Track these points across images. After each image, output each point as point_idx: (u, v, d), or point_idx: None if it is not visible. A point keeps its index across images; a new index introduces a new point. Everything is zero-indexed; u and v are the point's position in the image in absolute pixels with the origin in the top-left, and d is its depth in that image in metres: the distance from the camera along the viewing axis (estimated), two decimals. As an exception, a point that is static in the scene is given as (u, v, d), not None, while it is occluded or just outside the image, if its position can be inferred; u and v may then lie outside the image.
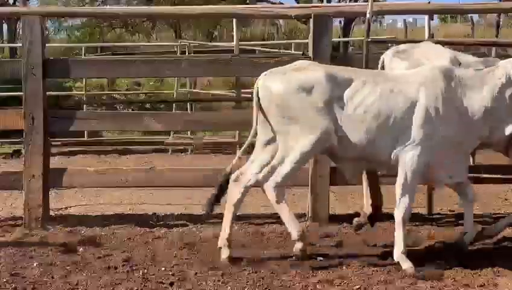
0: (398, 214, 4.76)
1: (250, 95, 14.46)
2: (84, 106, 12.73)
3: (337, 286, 4.41)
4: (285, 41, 19.51)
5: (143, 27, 27.33)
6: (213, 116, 7.30)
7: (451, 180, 4.91)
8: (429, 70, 4.83)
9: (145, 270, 4.68)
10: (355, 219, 5.50)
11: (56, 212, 6.70)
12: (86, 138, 12.71)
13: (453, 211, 6.65)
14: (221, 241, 5.00)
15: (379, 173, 5.25)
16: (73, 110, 7.96)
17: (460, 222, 6.20)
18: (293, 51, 12.83)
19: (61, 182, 6.33)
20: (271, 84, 4.83)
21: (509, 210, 6.74)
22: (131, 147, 12.45)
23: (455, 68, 4.92)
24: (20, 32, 6.79)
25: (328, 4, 19.12)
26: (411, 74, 4.90)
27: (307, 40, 8.81)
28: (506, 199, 7.43)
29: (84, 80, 13.45)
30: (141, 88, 18.64)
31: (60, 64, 6.39)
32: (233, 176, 5.04)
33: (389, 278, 4.52)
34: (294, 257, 4.86)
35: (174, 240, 5.56)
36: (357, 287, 4.38)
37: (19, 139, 9.09)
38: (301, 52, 7.50)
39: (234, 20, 10.24)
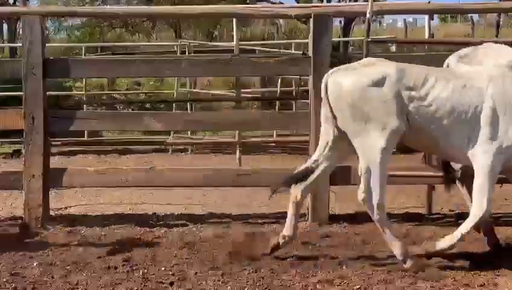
0: (473, 214, 4.70)
1: (250, 95, 14.52)
2: (84, 105, 12.72)
3: (337, 285, 4.41)
4: (285, 41, 19.49)
5: (143, 27, 27.33)
6: (213, 116, 7.30)
7: None
8: (496, 67, 4.80)
9: (145, 270, 4.68)
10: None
11: (56, 212, 6.70)
12: (86, 138, 12.70)
13: (453, 211, 6.65)
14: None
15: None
16: (73, 110, 7.96)
17: (460, 221, 6.21)
18: (293, 51, 12.82)
19: (61, 182, 6.33)
20: (342, 80, 4.75)
21: (509, 210, 6.76)
22: (131, 146, 12.44)
23: None
24: (20, 32, 6.80)
25: (328, 4, 19.13)
26: (479, 70, 4.84)
27: (307, 40, 8.81)
28: (506, 199, 7.42)
29: (84, 79, 13.44)
30: (141, 88, 18.63)
31: (60, 64, 6.39)
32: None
33: (389, 278, 4.52)
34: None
35: (174, 240, 5.56)
36: (357, 287, 4.38)
37: (19, 139, 9.09)
38: (301, 52, 7.49)
39: (234, 20, 10.23)
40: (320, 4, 16.78)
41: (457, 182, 5.33)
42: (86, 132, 12.23)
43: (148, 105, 15.49)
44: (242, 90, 11.81)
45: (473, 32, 16.34)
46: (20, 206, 6.31)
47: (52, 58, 6.62)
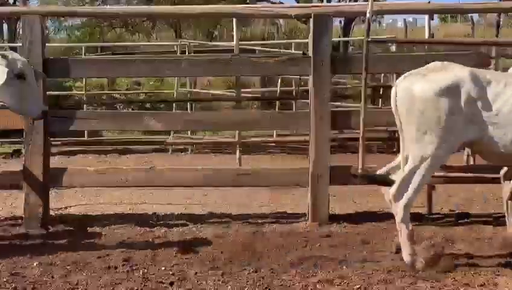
0: None
1: (250, 95, 14.50)
2: (84, 105, 12.72)
3: (337, 285, 4.41)
4: (285, 41, 19.49)
5: (143, 27, 27.33)
6: (213, 116, 7.30)
7: None
8: None
9: (145, 270, 4.69)
10: None
11: (56, 212, 6.70)
12: (86, 138, 12.70)
13: (453, 211, 6.65)
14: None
15: None
16: (73, 110, 7.96)
17: (460, 221, 6.22)
18: (293, 51, 12.82)
19: (61, 182, 6.33)
20: (413, 86, 4.68)
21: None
22: (131, 146, 12.44)
23: None
24: (20, 32, 6.79)
25: (328, 4, 19.14)
26: None
27: (307, 40, 8.80)
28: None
29: (84, 79, 13.44)
30: (141, 88, 18.63)
31: (60, 64, 6.38)
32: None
33: (389, 277, 4.52)
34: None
35: (174, 240, 5.56)
36: (357, 287, 4.38)
37: (19, 139, 9.09)
38: (301, 52, 7.49)
39: (234, 19, 10.22)
40: (320, 4, 16.78)
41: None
42: (86, 131, 12.23)
43: (148, 105, 15.49)
44: (242, 90, 11.80)
45: (473, 32, 16.29)
46: (20, 206, 6.30)
47: (52, 58, 6.61)
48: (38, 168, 6.06)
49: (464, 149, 9.30)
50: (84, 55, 15.45)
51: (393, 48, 14.71)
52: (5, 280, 4.47)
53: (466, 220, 6.29)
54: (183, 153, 12.16)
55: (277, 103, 13.34)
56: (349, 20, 21.42)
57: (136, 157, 11.48)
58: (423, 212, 6.54)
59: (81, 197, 7.69)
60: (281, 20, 26.59)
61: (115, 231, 5.91)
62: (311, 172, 6.10)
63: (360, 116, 5.86)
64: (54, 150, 9.54)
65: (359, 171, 5.28)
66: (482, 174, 6.06)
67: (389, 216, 6.38)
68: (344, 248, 5.29)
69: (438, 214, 6.58)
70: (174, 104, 12.60)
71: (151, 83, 18.84)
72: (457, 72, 4.70)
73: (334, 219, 6.18)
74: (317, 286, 4.40)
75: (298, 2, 22.13)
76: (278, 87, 13.38)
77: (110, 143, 12.62)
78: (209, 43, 19.85)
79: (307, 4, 11.19)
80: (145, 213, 6.72)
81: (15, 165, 7.35)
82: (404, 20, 15.43)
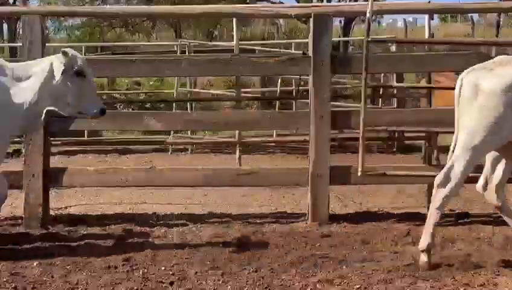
0: None
1: (250, 95, 14.48)
2: (84, 105, 12.67)
3: (337, 285, 4.41)
4: (285, 40, 19.49)
5: (143, 27, 27.31)
6: (213, 116, 7.31)
7: None
8: None
9: (145, 270, 4.68)
10: None
11: (56, 212, 6.70)
12: (86, 138, 12.70)
13: (453, 210, 6.65)
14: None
15: None
16: (73, 110, 7.91)
17: (460, 221, 6.21)
18: (293, 51, 12.82)
19: (61, 182, 6.33)
20: (479, 81, 4.68)
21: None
22: (131, 146, 12.44)
23: None
24: (20, 32, 6.79)
25: (328, 4, 19.12)
26: None
27: (307, 40, 8.81)
28: (506, 199, 7.41)
29: (84, 79, 13.39)
30: (141, 88, 18.62)
31: (60, 64, 6.37)
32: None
33: (389, 277, 4.52)
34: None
35: (174, 240, 5.56)
36: (357, 286, 4.38)
37: (19, 139, 9.08)
38: (301, 52, 7.49)
39: (234, 19, 10.22)
40: (320, 4, 16.77)
41: None
42: (85, 131, 12.22)
43: (148, 105, 15.47)
44: (242, 90, 11.79)
45: (473, 32, 16.31)
46: (20, 206, 6.30)
47: (52, 58, 6.60)
48: (38, 168, 6.06)
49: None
50: (84, 55, 15.40)
51: (393, 48, 14.70)
52: (5, 279, 4.47)
53: (466, 220, 6.29)
54: (183, 153, 12.16)
55: (277, 102, 13.34)
56: (349, 20, 21.42)
57: (136, 157, 11.48)
58: (423, 212, 6.53)
59: (81, 197, 7.69)
60: (281, 20, 26.57)
61: (114, 231, 5.91)
62: (311, 172, 6.10)
63: (360, 116, 5.88)
64: (54, 150, 9.53)
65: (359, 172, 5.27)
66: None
67: (389, 216, 6.41)
68: (344, 248, 5.29)
69: (438, 214, 6.56)
70: (174, 104, 12.59)
71: (151, 83, 18.83)
72: None
73: (334, 218, 6.18)
74: (317, 285, 4.40)
75: (298, 2, 22.13)
76: (278, 87, 13.38)
77: (110, 143, 12.62)
78: (209, 43, 19.83)
79: (307, 4, 11.18)
80: (145, 213, 6.72)
81: (15, 165, 7.34)
82: (404, 20, 15.42)
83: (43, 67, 4.97)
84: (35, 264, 4.82)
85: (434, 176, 6.16)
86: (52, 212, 6.48)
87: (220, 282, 4.46)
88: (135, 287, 4.36)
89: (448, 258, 4.93)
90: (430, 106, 6.94)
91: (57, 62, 4.95)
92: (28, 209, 6.06)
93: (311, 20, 6.16)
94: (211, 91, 15.24)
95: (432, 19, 7.75)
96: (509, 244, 5.16)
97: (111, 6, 20.89)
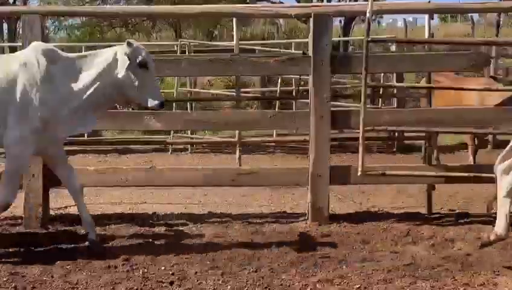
0: None
1: (250, 95, 14.46)
2: (84, 105, 12.66)
3: (337, 285, 4.42)
4: (285, 40, 19.46)
5: (143, 26, 27.31)
6: (213, 115, 7.30)
7: None
8: None
9: (145, 270, 4.69)
10: None
11: (56, 212, 6.70)
12: (85, 138, 12.69)
13: (453, 210, 6.65)
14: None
15: None
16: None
17: (460, 221, 6.22)
18: (293, 51, 12.82)
19: (61, 182, 6.32)
20: None
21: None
22: (131, 146, 12.43)
23: None
24: (20, 32, 6.78)
25: (328, 3, 19.13)
26: None
27: (307, 40, 8.80)
28: None
29: (84, 79, 13.39)
30: (141, 87, 18.57)
31: (60, 64, 6.36)
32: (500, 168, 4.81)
33: (389, 277, 4.52)
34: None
35: (174, 240, 5.56)
36: (357, 286, 4.38)
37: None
38: (301, 52, 7.48)
39: (234, 19, 10.21)
40: (320, 4, 16.77)
41: None
42: (85, 131, 12.20)
43: (148, 104, 15.45)
44: (242, 90, 11.79)
45: (473, 32, 16.33)
46: (20, 206, 6.29)
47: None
48: (38, 167, 6.06)
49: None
50: (84, 55, 15.40)
51: (393, 47, 14.70)
52: (5, 279, 4.47)
53: (466, 220, 6.29)
54: (183, 153, 12.16)
55: (277, 102, 13.35)
56: (349, 19, 21.44)
57: (136, 157, 11.48)
58: (423, 212, 6.54)
59: (81, 196, 7.67)
60: (281, 20, 26.56)
61: (114, 231, 5.90)
62: (311, 172, 6.10)
63: (360, 116, 5.88)
64: (53, 149, 9.51)
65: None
66: (482, 174, 6.04)
67: (389, 216, 6.41)
68: (344, 248, 5.29)
69: (438, 214, 6.58)
70: (174, 104, 12.59)
71: (151, 83, 18.79)
72: None
73: (334, 218, 6.18)
74: (317, 285, 4.40)
75: (298, 2, 22.14)
76: (278, 87, 13.38)
77: (110, 143, 12.59)
78: (209, 42, 19.84)
79: (307, 4, 11.18)
80: (145, 213, 6.72)
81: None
82: (404, 19, 15.44)
83: (107, 58, 4.99)
84: (35, 264, 4.82)
85: (434, 176, 6.19)
86: (52, 212, 6.48)
87: (220, 282, 4.46)
88: (135, 287, 4.36)
89: (448, 258, 4.93)
90: (430, 106, 6.93)
91: (121, 53, 4.95)
92: (28, 209, 6.06)
93: (311, 20, 6.16)
94: (211, 91, 15.23)
95: (432, 19, 7.73)
96: (509, 245, 5.15)
97: (111, 6, 20.91)
